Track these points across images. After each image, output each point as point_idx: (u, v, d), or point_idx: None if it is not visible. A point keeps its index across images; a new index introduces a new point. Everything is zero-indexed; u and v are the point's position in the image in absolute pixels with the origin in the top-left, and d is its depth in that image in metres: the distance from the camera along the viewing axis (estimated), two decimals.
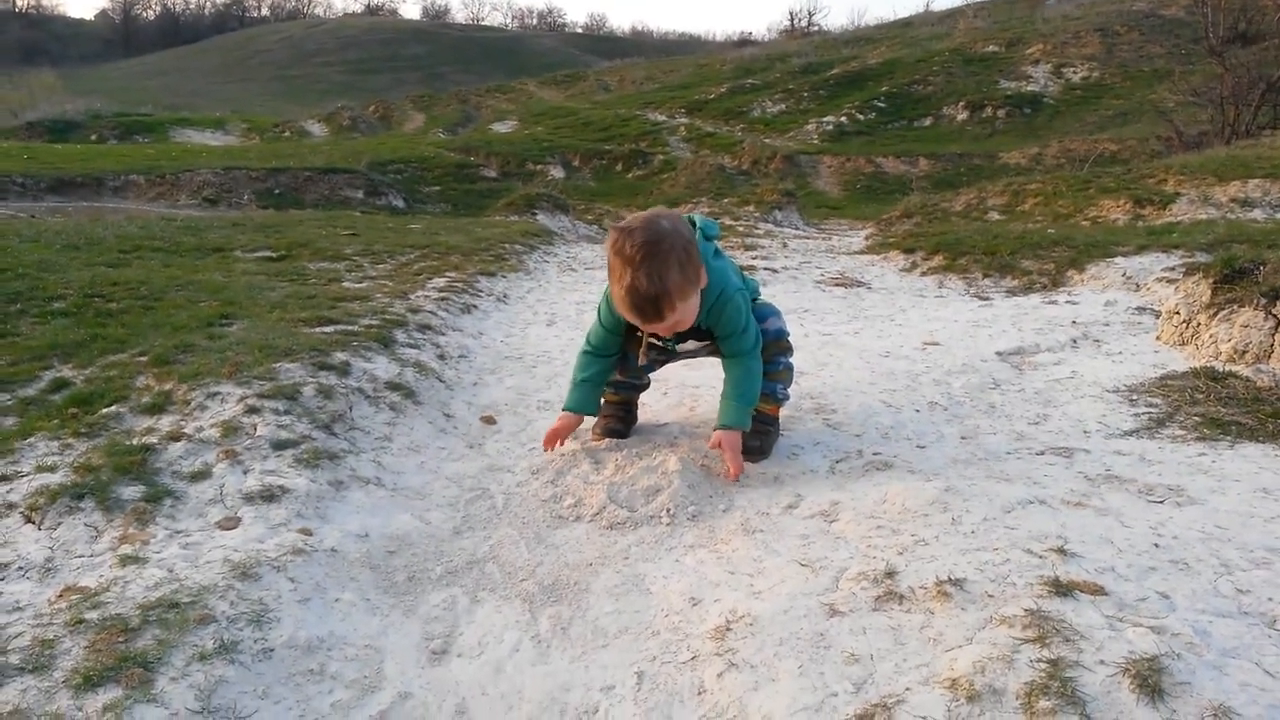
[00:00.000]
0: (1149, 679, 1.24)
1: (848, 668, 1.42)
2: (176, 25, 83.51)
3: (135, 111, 27.42)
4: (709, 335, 2.40)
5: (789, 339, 2.51)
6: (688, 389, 3.10)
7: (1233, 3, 17.50)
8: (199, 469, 2.16)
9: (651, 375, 2.71)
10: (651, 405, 2.86)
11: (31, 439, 2.30)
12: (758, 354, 2.36)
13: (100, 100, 28.56)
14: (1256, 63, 14.68)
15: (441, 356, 3.38)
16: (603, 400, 2.70)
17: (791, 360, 2.54)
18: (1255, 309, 3.13)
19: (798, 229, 10.33)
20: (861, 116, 22.26)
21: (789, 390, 2.55)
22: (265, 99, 45.62)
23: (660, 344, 2.44)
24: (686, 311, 2.14)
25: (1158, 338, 3.70)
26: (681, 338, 2.42)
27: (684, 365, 2.95)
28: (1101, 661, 1.29)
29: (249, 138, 25.45)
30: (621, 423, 2.63)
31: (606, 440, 2.54)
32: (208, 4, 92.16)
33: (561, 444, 2.50)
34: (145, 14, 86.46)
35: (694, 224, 2.30)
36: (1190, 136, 13.96)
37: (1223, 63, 14.79)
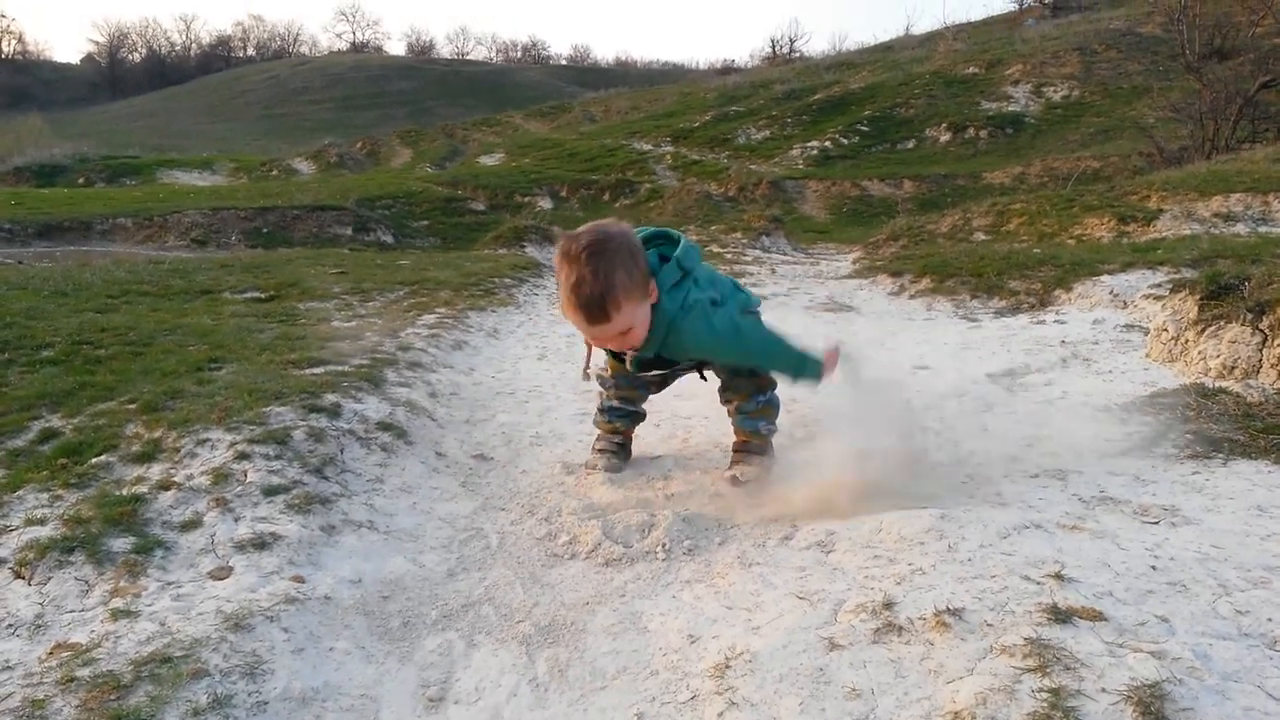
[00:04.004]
0: (1152, 706, 1.23)
1: (849, 703, 1.40)
2: (163, 67, 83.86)
3: (122, 154, 27.51)
4: (669, 364, 2.42)
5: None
6: (680, 420, 3.10)
7: (1208, 19, 17.81)
8: (190, 518, 2.14)
9: (646, 407, 2.70)
10: (645, 437, 2.85)
11: (20, 491, 2.28)
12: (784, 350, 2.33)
13: (87, 143, 28.55)
14: (1233, 77, 14.91)
15: (433, 394, 3.37)
16: (598, 432, 2.69)
17: (775, 394, 2.52)
18: (1242, 324, 3.15)
19: (785, 254, 10.38)
20: (845, 140, 22.45)
21: (775, 424, 2.55)
22: (252, 138, 45.73)
23: (621, 361, 2.43)
24: (635, 318, 2.07)
25: (1147, 355, 3.71)
26: (644, 365, 2.38)
27: (676, 396, 2.94)
28: (1103, 689, 1.28)
29: (237, 177, 25.52)
30: (616, 456, 2.63)
31: (601, 475, 2.54)
32: (193, 45, 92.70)
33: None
34: (131, 57, 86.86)
35: (678, 242, 2.27)
36: (1171, 152, 14.12)
37: (1200, 78, 15.03)
